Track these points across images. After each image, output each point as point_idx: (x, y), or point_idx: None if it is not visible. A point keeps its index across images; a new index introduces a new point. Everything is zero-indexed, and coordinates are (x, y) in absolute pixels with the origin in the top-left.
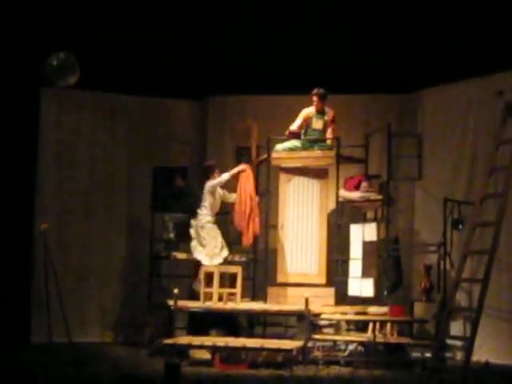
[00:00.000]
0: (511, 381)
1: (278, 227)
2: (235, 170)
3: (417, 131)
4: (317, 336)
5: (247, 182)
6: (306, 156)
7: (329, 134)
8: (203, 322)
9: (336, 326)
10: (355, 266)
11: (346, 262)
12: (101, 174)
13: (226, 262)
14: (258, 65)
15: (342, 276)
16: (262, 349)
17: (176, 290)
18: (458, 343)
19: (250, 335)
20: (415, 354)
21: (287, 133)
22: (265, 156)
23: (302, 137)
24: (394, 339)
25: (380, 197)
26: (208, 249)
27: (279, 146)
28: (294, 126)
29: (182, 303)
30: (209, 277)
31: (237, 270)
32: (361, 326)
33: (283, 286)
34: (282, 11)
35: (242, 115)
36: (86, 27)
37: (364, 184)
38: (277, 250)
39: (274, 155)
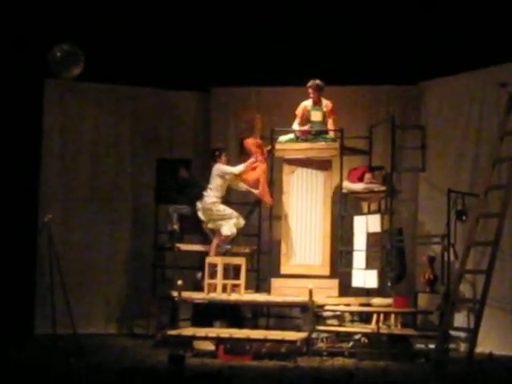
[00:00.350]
0: None
1: (282, 218)
2: (250, 162)
3: (420, 123)
4: (321, 327)
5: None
6: (310, 147)
7: (330, 125)
8: (207, 314)
9: (340, 318)
10: (359, 257)
11: (349, 253)
12: (105, 165)
13: (230, 253)
14: (261, 56)
15: (346, 267)
16: (266, 340)
17: (180, 282)
18: (462, 334)
19: (254, 326)
20: (419, 346)
21: (298, 135)
22: (268, 147)
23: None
24: (397, 330)
25: (384, 188)
26: (226, 220)
27: (283, 138)
28: (296, 126)
29: (186, 295)
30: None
31: (241, 261)
32: (365, 318)
33: (287, 278)
34: (286, 2)
35: (246, 107)
36: (91, 19)
37: (368, 175)
38: (280, 242)
39: (277, 147)
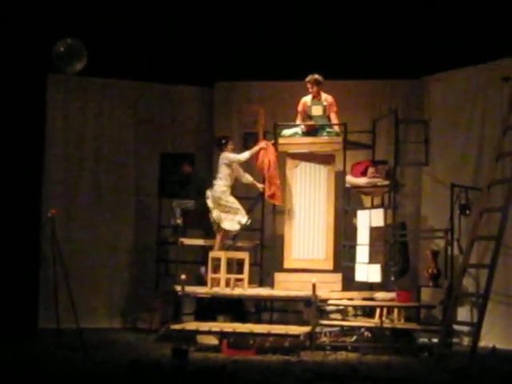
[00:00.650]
0: None
1: (285, 213)
2: (256, 149)
3: (424, 117)
4: (324, 321)
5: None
6: (313, 142)
7: (333, 119)
8: (211, 308)
9: (343, 312)
10: (362, 251)
11: (353, 247)
12: (108, 160)
13: (233, 248)
14: (265, 51)
15: (349, 262)
16: (270, 334)
17: (183, 276)
18: (465, 329)
19: (258, 321)
20: (422, 340)
21: (305, 130)
22: (272, 142)
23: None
24: (401, 325)
25: (387, 182)
26: (231, 215)
27: (287, 132)
28: (300, 123)
29: (190, 289)
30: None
31: (244, 255)
32: (368, 312)
33: (290, 272)
34: None
35: (249, 101)
36: (94, 13)
37: (371, 170)
38: (284, 236)
39: (280, 141)
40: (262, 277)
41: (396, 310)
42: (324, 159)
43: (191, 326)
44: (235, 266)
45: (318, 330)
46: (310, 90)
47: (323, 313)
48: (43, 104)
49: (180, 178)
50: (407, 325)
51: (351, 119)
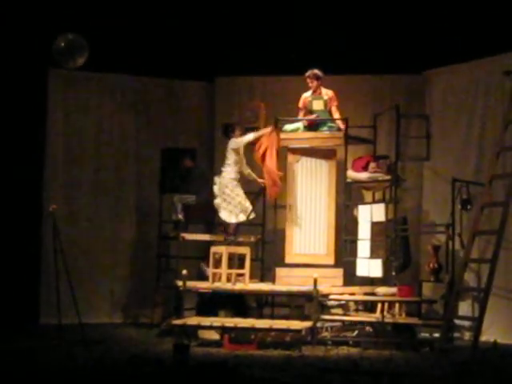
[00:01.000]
0: None
1: (286, 208)
2: (261, 132)
3: (425, 112)
4: (325, 316)
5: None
6: (314, 137)
7: (334, 113)
8: (212, 303)
9: (344, 307)
10: (363, 246)
11: (354, 242)
12: (109, 155)
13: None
14: (266, 46)
15: (351, 256)
16: (271, 329)
17: (185, 271)
18: (467, 323)
19: (259, 316)
20: (423, 335)
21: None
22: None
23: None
24: (402, 319)
25: (388, 177)
26: (231, 206)
27: (288, 127)
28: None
29: (191, 284)
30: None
31: (245, 250)
32: (369, 307)
33: (292, 267)
34: None
35: (251, 96)
36: (95, 8)
37: (372, 165)
38: (285, 231)
39: (281, 136)
40: (264, 272)
41: (397, 305)
42: (325, 154)
43: (192, 320)
44: (236, 261)
45: (319, 324)
46: (310, 84)
47: (324, 308)
48: (44, 98)
49: (181, 172)
50: (408, 319)
51: (352, 114)
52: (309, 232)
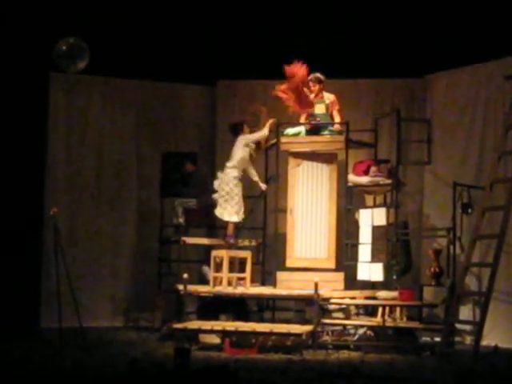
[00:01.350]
0: None
1: (287, 212)
2: (271, 122)
3: (426, 116)
4: (326, 320)
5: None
6: (315, 141)
7: (336, 117)
8: (213, 307)
9: (345, 311)
10: (364, 250)
11: (355, 246)
12: (110, 159)
13: (235, 247)
14: (267, 49)
15: (352, 260)
16: (272, 333)
17: (186, 275)
18: (468, 327)
19: (260, 320)
20: (424, 339)
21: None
22: (274, 141)
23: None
24: (403, 323)
25: (389, 181)
26: (227, 204)
27: (290, 130)
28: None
29: (192, 288)
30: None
31: (246, 254)
32: (370, 311)
33: (292, 271)
34: None
35: (252, 100)
36: (96, 12)
37: (373, 168)
38: (286, 235)
39: (283, 140)
40: (265, 276)
41: (398, 309)
42: (326, 158)
43: (193, 324)
44: (237, 265)
45: (320, 328)
46: (312, 88)
47: (325, 312)
48: (45, 102)
49: (182, 176)
50: (409, 323)
51: (353, 118)
52: (310, 236)
